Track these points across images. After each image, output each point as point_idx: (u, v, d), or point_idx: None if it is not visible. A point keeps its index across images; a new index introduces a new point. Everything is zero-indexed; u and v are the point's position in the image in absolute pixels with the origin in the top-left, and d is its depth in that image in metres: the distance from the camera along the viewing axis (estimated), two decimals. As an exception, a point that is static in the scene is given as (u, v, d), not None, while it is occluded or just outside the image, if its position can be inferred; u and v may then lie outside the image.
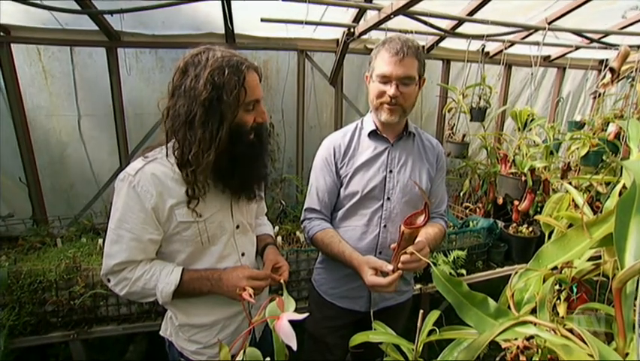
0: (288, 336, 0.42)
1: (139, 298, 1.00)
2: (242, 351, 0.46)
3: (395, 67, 1.13)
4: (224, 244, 1.05)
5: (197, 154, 0.89)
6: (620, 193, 0.67)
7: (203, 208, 0.97)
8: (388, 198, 1.25)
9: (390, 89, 1.14)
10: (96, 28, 1.95)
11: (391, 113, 1.18)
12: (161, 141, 0.98)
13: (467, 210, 2.64)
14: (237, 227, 1.08)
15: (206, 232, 0.99)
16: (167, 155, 0.95)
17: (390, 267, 1.06)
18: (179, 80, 0.91)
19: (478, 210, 2.63)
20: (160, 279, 0.96)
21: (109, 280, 0.97)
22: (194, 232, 0.98)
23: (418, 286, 1.96)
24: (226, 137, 0.90)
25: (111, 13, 1.80)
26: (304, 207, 1.35)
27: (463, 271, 2.01)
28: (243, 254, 1.11)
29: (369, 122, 1.29)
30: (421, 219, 0.95)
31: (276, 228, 2.24)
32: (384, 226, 1.25)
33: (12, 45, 1.99)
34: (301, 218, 1.37)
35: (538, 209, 2.29)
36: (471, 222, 2.33)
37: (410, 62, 1.13)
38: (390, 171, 1.25)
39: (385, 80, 1.15)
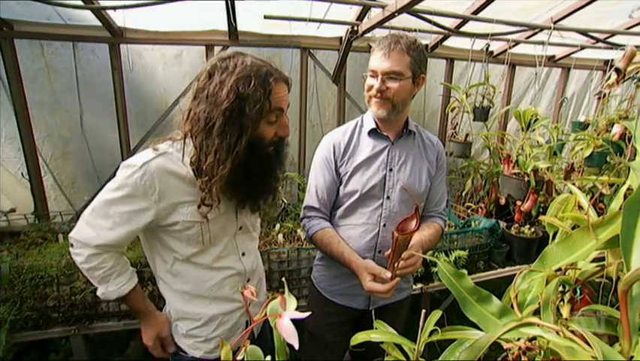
0: (290, 335, 0.42)
1: (87, 275, 0.99)
2: (243, 349, 0.45)
3: (381, 61, 1.14)
4: (225, 245, 1.05)
5: (212, 165, 0.86)
6: (626, 195, 0.66)
7: (209, 210, 0.95)
8: (388, 197, 1.24)
9: (377, 83, 1.15)
10: (99, 24, 1.95)
11: (379, 107, 1.19)
12: (172, 136, 0.97)
13: (469, 210, 2.64)
14: (240, 228, 1.08)
15: (208, 233, 0.99)
16: (182, 155, 0.92)
17: (388, 274, 1.06)
18: (203, 83, 0.87)
19: (480, 210, 2.62)
20: (111, 281, 0.98)
21: (72, 246, 0.96)
22: (196, 231, 0.97)
23: (419, 285, 1.96)
24: (244, 150, 0.87)
25: (114, 8, 1.80)
26: (303, 205, 1.35)
27: (465, 272, 2.00)
28: (243, 254, 1.10)
29: (369, 120, 1.28)
30: (412, 224, 0.95)
31: (278, 226, 2.24)
32: (384, 225, 1.25)
33: (15, 40, 1.99)
34: (300, 216, 1.37)
35: (541, 210, 2.28)
36: (473, 222, 2.33)
37: (397, 57, 1.13)
38: (390, 170, 1.24)
39: (373, 74, 1.17)
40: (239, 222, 1.07)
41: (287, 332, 0.42)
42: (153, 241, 1.02)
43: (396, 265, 1.03)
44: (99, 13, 1.84)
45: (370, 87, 1.19)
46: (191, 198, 0.94)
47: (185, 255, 1.00)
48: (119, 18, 2.00)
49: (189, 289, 1.04)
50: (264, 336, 1.19)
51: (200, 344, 1.07)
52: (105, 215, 0.91)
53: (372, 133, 1.27)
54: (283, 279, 0.82)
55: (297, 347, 0.42)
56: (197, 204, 0.93)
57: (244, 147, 0.87)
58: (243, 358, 0.46)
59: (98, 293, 0.99)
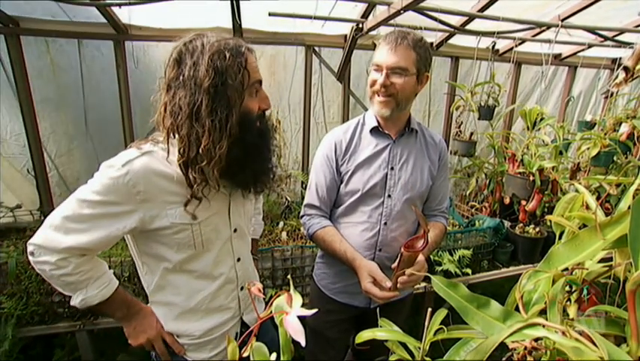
0: (297, 332, 0.42)
1: (54, 284, 0.88)
2: (249, 347, 0.46)
3: (387, 56, 1.12)
4: (220, 249, 0.99)
5: (207, 147, 0.81)
6: (635, 195, 0.65)
7: (199, 210, 0.90)
8: (389, 196, 1.24)
9: (381, 78, 1.13)
10: (104, 21, 1.96)
11: (383, 105, 1.16)
12: (154, 137, 0.92)
13: (473, 210, 2.62)
14: (235, 231, 1.03)
15: (200, 236, 0.92)
16: (168, 153, 0.86)
17: (388, 284, 1.07)
18: (174, 71, 0.83)
19: (484, 209, 2.61)
20: (90, 286, 0.88)
21: (33, 254, 0.84)
22: (188, 235, 0.91)
23: (423, 284, 1.95)
24: (236, 125, 0.83)
25: (119, 5, 1.80)
26: (304, 203, 1.35)
27: (469, 271, 2.00)
28: (238, 259, 1.06)
29: (371, 118, 1.27)
30: (420, 243, 0.98)
31: (281, 223, 2.25)
32: (385, 223, 1.24)
33: (21, 37, 2.00)
34: (300, 213, 1.37)
35: (546, 209, 2.27)
36: (477, 222, 2.32)
37: (404, 52, 1.11)
38: (392, 168, 1.24)
39: (378, 68, 1.15)
40: (232, 223, 1.01)
41: (294, 329, 0.42)
42: (141, 252, 0.96)
43: (398, 279, 1.04)
44: (104, 9, 1.84)
45: (374, 82, 1.16)
46: (179, 198, 0.88)
47: (176, 261, 0.93)
48: (124, 15, 2.00)
49: (180, 302, 0.98)
50: (262, 334, 1.18)
51: (192, 354, 1.03)
52: (80, 217, 0.82)
53: (374, 131, 1.26)
54: (289, 276, 0.81)
55: (303, 344, 0.42)
56: (185, 202, 0.87)
57: (236, 121, 0.83)
58: (249, 356, 0.46)
59: (75, 302, 0.88)
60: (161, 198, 0.87)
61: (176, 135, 0.85)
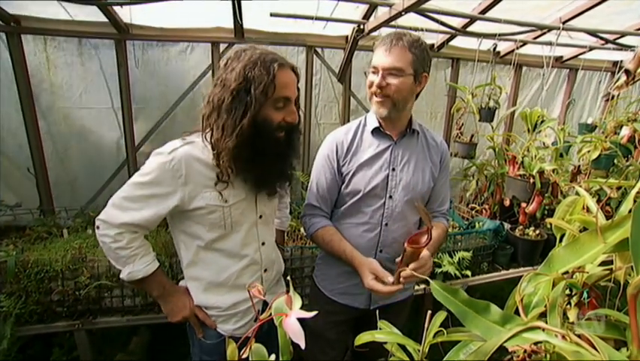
0: (296, 335, 0.42)
1: (109, 257, 1.04)
2: (248, 348, 0.45)
3: (383, 57, 1.14)
4: (246, 232, 1.11)
5: (218, 139, 0.97)
6: (636, 198, 0.65)
7: (230, 195, 1.04)
8: (390, 197, 1.24)
9: (377, 79, 1.14)
10: (105, 20, 1.96)
11: (380, 105, 1.18)
12: (198, 127, 1.05)
13: (473, 212, 2.62)
14: (260, 217, 1.15)
15: (230, 218, 1.05)
16: (203, 140, 1.02)
17: (390, 279, 1.07)
18: (220, 72, 0.99)
19: (484, 211, 2.60)
20: (137, 261, 1.04)
21: (98, 228, 1.01)
22: (219, 215, 1.04)
23: (422, 286, 1.95)
24: (248, 127, 0.95)
25: (120, 4, 1.80)
26: (305, 203, 1.35)
27: (468, 273, 2.00)
28: (263, 243, 1.17)
29: (372, 119, 1.27)
30: (424, 239, 0.98)
31: (281, 224, 2.24)
32: (386, 224, 1.25)
33: (22, 35, 2.00)
34: (301, 214, 1.37)
35: (546, 212, 2.26)
36: (477, 224, 2.31)
37: (399, 53, 1.12)
38: (393, 169, 1.24)
39: (375, 70, 1.16)
40: (258, 210, 1.13)
41: (293, 331, 0.42)
42: (179, 231, 1.09)
43: (402, 273, 1.04)
44: (105, 9, 1.84)
45: (371, 83, 1.18)
46: (212, 183, 1.02)
47: (208, 240, 1.06)
48: (125, 14, 2.00)
49: (209, 276, 1.11)
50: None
51: (219, 325, 1.15)
52: (134, 197, 0.99)
53: (376, 132, 1.26)
54: (288, 278, 0.82)
55: (303, 347, 0.42)
56: (214, 182, 1.01)
57: (248, 123, 0.95)
58: (248, 357, 0.46)
59: (123, 275, 1.04)
60: (198, 181, 1.01)
61: (208, 123, 1.01)
